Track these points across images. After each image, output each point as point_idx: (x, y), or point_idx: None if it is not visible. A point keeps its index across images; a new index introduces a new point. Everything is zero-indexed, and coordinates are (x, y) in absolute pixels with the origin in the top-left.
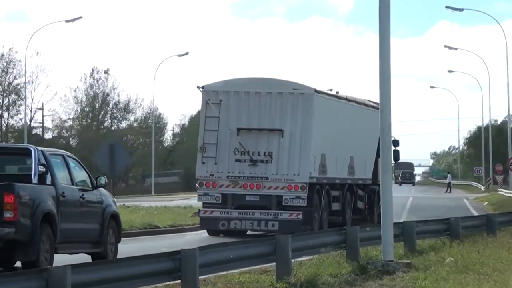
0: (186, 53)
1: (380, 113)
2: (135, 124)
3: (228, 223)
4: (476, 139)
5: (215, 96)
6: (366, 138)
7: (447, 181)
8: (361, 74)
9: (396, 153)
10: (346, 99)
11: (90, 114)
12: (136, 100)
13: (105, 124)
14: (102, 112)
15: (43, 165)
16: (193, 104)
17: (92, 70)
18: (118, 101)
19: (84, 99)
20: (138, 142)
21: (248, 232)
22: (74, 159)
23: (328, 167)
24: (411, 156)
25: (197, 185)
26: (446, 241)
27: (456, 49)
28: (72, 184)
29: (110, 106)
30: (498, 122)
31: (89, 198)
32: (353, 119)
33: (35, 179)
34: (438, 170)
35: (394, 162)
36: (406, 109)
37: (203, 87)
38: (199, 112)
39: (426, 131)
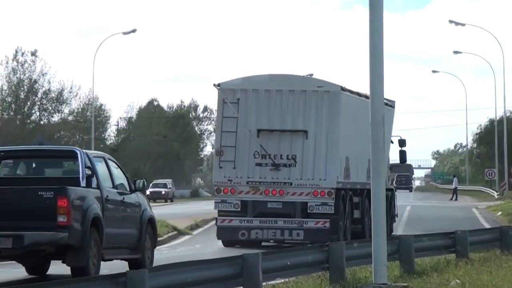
0: (133, 31)
1: (371, 103)
2: (70, 118)
3: (248, 232)
4: (488, 135)
5: (232, 94)
6: None
7: (453, 186)
8: (348, 55)
9: (403, 155)
10: (366, 96)
11: (13, 106)
12: (71, 88)
13: (33, 117)
14: (29, 103)
15: (88, 167)
16: (142, 93)
17: (16, 51)
18: (49, 90)
19: (5, 87)
20: (74, 140)
21: (265, 244)
22: (113, 161)
23: (351, 171)
24: (408, 156)
25: (214, 191)
26: (451, 260)
27: (463, 25)
28: (113, 187)
29: (39, 95)
30: None
31: (128, 202)
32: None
33: (83, 183)
34: (441, 173)
35: (399, 164)
36: (403, 99)
37: (219, 85)
38: (149, 103)
39: (427, 125)
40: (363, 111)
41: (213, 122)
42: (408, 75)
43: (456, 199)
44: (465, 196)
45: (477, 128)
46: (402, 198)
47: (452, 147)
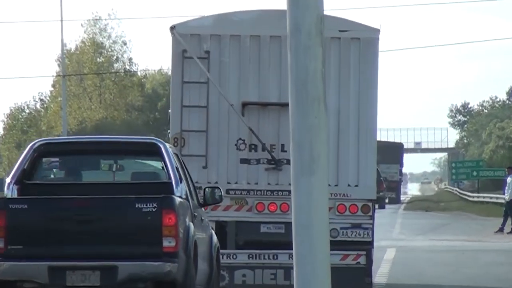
0: None
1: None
2: None
3: (230, 274)
4: None
5: (198, 43)
6: None
7: (505, 195)
8: None
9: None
10: None
11: None
12: None
13: None
14: None
15: (177, 169)
16: None
17: None
18: None
19: None
20: None
21: None
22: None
23: None
24: (391, 123)
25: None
26: None
27: None
28: (192, 197)
29: None
30: None
31: (204, 220)
32: None
33: (177, 190)
34: (475, 162)
35: None
36: None
37: (174, 27)
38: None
39: (428, 41)
40: None
41: None
42: None
43: None
44: None
45: None
46: (378, 227)
47: (501, 97)
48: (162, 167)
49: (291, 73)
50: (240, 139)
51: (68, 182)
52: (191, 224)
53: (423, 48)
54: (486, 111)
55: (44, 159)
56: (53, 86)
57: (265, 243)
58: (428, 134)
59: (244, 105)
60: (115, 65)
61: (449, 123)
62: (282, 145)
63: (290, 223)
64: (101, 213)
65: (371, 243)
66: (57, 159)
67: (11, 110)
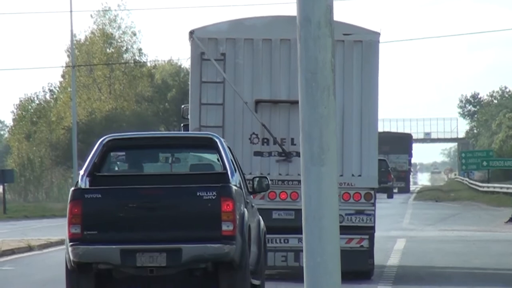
0: None
1: None
2: None
3: None
4: None
5: (215, 47)
6: None
7: None
8: None
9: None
10: None
11: None
12: None
13: None
14: None
15: (231, 160)
16: None
17: None
18: None
19: None
20: None
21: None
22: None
23: None
24: (401, 113)
25: None
26: None
27: None
28: (243, 186)
29: None
30: None
31: (254, 207)
32: None
33: (233, 180)
34: (485, 152)
35: None
36: None
37: (193, 32)
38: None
39: (441, 31)
40: None
41: None
42: None
43: None
44: None
45: None
46: (383, 219)
47: (511, 87)
48: (218, 159)
49: (300, 64)
50: (253, 133)
51: (133, 173)
52: (245, 210)
53: (433, 39)
54: (496, 101)
55: (111, 153)
56: (63, 76)
57: (276, 228)
58: (438, 124)
59: (257, 102)
60: (125, 55)
61: (459, 113)
62: (292, 139)
63: (300, 209)
64: (166, 201)
65: (373, 228)
66: (123, 153)
67: (20, 101)
